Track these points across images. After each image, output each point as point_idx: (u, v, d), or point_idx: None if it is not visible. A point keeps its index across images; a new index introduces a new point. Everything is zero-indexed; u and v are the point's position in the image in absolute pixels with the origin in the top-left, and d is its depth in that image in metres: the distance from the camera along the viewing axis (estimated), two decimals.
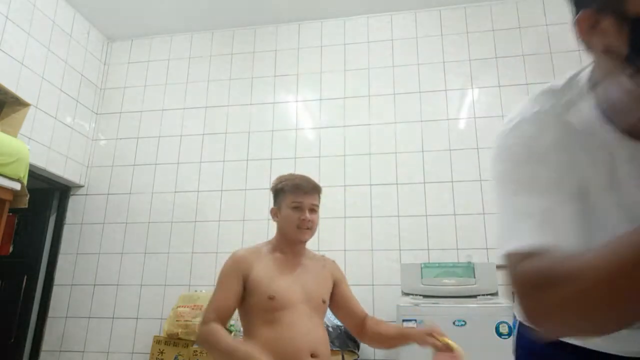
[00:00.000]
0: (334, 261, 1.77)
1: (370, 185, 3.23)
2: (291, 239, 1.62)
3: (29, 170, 2.40)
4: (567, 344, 0.77)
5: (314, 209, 1.63)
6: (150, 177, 3.53)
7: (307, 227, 1.59)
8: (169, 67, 3.82)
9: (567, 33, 3.30)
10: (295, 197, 1.61)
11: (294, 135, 3.44)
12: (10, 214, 2.81)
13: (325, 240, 2.99)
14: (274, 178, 3.29)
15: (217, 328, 1.43)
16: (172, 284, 3.26)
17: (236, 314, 1.59)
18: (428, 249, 3.04)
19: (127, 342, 3.18)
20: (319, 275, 1.66)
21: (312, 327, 1.52)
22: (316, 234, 1.69)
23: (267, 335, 1.48)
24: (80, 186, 3.60)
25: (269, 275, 1.54)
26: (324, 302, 1.62)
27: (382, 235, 3.11)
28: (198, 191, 3.43)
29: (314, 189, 1.64)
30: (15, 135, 2.42)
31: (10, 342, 3.22)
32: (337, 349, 2.57)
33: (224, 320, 1.49)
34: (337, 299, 1.69)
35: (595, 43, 0.61)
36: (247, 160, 3.45)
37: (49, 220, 3.50)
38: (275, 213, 1.67)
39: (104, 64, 3.92)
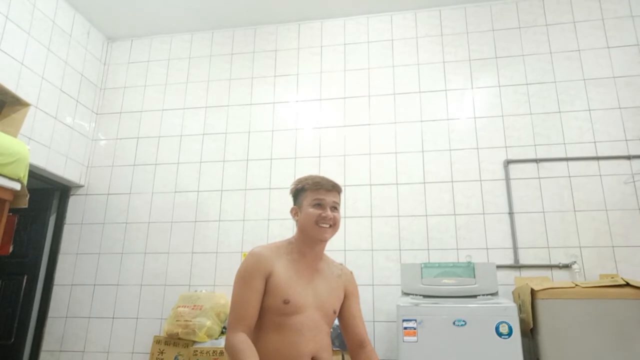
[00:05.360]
0: (351, 273, 1.74)
1: (370, 185, 3.23)
2: (312, 237, 1.58)
3: (29, 170, 2.40)
4: None
5: (335, 207, 1.61)
6: (150, 177, 3.53)
7: (328, 225, 1.57)
8: (169, 67, 3.82)
9: (567, 33, 3.31)
10: (316, 195, 1.59)
11: (294, 135, 3.44)
12: (10, 214, 2.82)
13: None
14: (274, 178, 3.34)
15: (247, 345, 1.39)
16: (172, 284, 3.25)
17: None
18: (428, 249, 3.04)
19: (127, 342, 3.18)
20: (333, 285, 1.63)
21: (317, 334, 1.51)
22: None
23: (272, 337, 1.47)
24: (80, 186, 3.60)
25: (286, 278, 1.52)
26: (334, 312, 1.60)
27: (382, 235, 3.11)
28: (198, 191, 3.43)
29: (334, 188, 1.63)
30: (15, 135, 2.42)
31: (10, 342, 3.22)
32: (337, 349, 2.57)
33: (251, 325, 1.46)
34: (341, 312, 1.66)
35: None
36: (247, 160, 3.45)
37: (49, 220, 3.50)
38: (295, 212, 1.64)
39: (104, 64, 3.92)
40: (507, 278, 2.88)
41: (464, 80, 3.36)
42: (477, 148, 3.19)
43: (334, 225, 1.59)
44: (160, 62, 3.85)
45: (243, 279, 1.51)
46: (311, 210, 1.57)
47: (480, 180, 3.12)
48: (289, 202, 1.71)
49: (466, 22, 3.49)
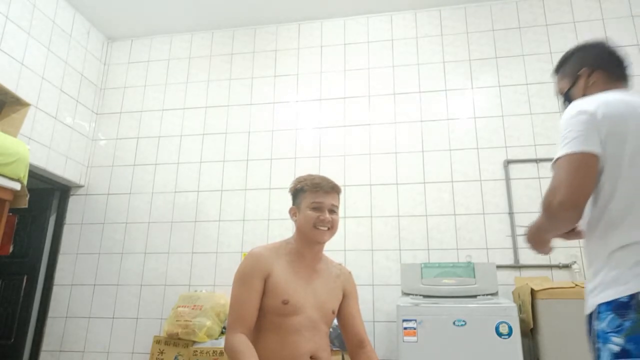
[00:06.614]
0: (349, 272, 1.74)
1: (370, 185, 3.23)
2: (310, 239, 1.58)
3: (29, 170, 2.40)
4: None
5: (333, 210, 1.60)
6: (150, 177, 3.53)
7: (326, 227, 1.56)
8: (169, 67, 3.82)
9: (566, 33, 3.31)
10: (315, 197, 1.58)
11: (294, 135, 3.44)
12: (10, 214, 2.81)
13: None
14: (274, 178, 3.34)
15: (246, 346, 1.39)
16: (172, 284, 3.25)
17: None
18: (428, 249, 3.04)
19: (127, 342, 3.18)
20: (332, 285, 1.63)
21: (316, 334, 1.51)
22: None
23: (271, 338, 1.47)
24: (80, 186, 3.60)
25: (285, 278, 1.52)
26: (333, 312, 1.60)
27: (382, 235, 3.11)
28: (198, 191, 3.43)
29: (333, 189, 1.63)
30: (15, 135, 2.42)
31: (10, 342, 3.22)
32: (337, 349, 2.57)
33: (250, 325, 1.46)
34: (340, 312, 1.66)
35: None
36: (247, 160, 3.45)
37: (49, 220, 3.50)
38: (294, 212, 1.64)
39: (104, 64, 3.92)
40: (507, 278, 2.88)
41: (464, 80, 3.36)
42: (477, 148, 3.19)
43: (331, 227, 1.58)
44: (160, 62, 3.85)
45: (242, 279, 1.51)
46: (309, 212, 1.57)
47: (480, 180, 3.12)
48: (289, 202, 1.71)
49: (466, 22, 3.49)
